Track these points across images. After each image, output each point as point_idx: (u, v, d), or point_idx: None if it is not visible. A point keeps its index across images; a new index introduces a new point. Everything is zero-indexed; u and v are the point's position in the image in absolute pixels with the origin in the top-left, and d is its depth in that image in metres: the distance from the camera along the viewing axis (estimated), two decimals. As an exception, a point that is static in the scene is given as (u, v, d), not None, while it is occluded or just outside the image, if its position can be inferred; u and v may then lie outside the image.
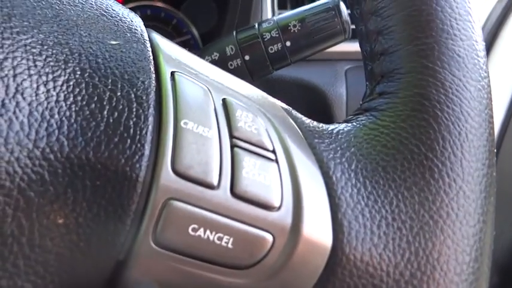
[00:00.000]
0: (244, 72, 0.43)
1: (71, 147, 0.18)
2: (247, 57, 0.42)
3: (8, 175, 0.17)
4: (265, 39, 0.42)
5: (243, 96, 0.22)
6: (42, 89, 0.18)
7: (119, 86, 0.19)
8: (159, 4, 0.78)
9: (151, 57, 0.21)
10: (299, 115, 0.23)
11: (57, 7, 0.20)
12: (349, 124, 0.23)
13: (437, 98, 0.22)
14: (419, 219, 0.20)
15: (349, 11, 0.40)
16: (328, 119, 0.60)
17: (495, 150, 0.24)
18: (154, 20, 0.79)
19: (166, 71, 0.21)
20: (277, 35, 0.42)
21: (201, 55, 0.44)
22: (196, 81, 0.21)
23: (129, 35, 0.21)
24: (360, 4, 0.25)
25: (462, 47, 0.22)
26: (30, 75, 0.18)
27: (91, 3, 0.22)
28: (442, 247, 0.20)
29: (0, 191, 0.16)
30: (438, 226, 0.20)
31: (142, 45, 0.21)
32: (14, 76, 0.17)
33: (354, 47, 0.61)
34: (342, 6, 0.43)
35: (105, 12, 0.22)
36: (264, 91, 0.24)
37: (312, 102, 0.60)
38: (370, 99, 0.24)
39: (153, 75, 0.20)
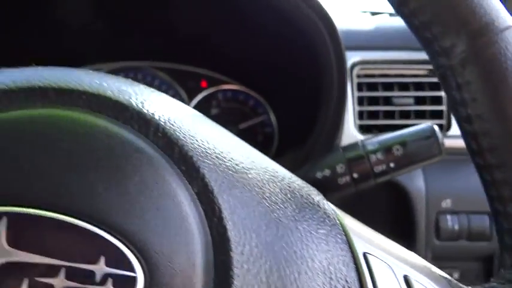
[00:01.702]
0: (351, 187, 0.49)
1: None
2: (355, 175, 0.49)
3: None
4: (372, 160, 0.48)
5: (417, 271, 0.28)
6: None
7: (333, 273, 0.25)
8: (240, 88, 0.87)
9: (347, 241, 0.27)
10: (460, 284, 0.28)
11: (275, 216, 0.26)
12: None
13: None
14: None
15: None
16: (409, 212, 0.65)
17: None
18: (233, 101, 0.88)
19: (359, 253, 0.26)
20: (382, 158, 0.48)
21: (312, 169, 0.51)
22: (382, 260, 0.27)
23: (328, 221, 0.27)
24: (484, 156, 0.28)
25: None
26: None
27: (296, 195, 0.27)
28: None
29: None
30: None
31: (340, 236, 0.26)
32: None
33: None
34: (438, 131, 0.49)
35: (311, 204, 0.27)
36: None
37: (393, 197, 0.66)
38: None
39: (352, 260, 0.26)
